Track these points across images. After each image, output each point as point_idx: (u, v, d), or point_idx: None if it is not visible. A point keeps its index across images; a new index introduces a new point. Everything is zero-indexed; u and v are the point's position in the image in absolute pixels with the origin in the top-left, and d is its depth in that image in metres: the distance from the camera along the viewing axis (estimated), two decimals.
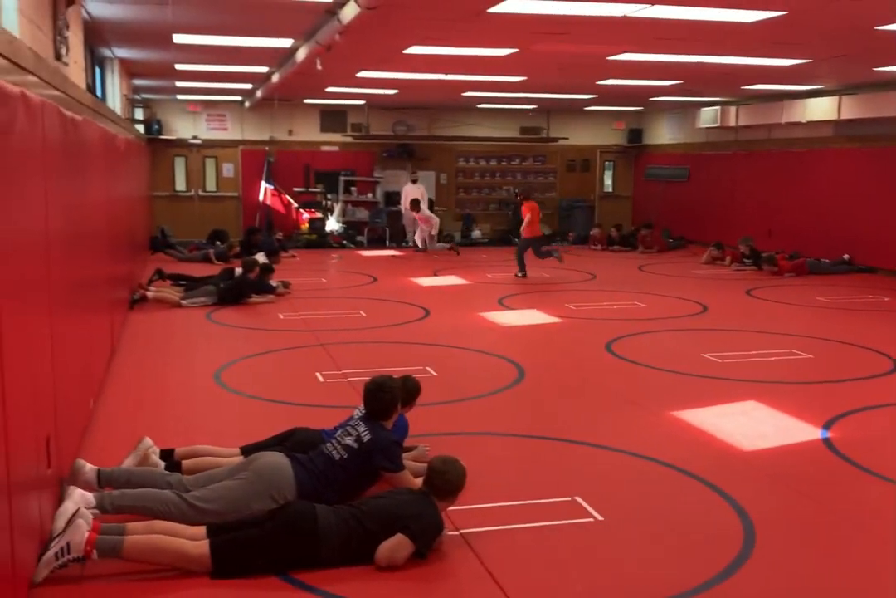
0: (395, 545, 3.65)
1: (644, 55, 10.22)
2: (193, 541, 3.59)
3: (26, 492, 3.32)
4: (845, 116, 13.44)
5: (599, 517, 4.16)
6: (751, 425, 5.67)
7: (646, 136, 20.21)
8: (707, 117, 16.69)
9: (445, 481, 3.88)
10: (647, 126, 20.18)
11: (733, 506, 4.32)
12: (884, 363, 7.52)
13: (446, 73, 12.31)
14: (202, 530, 3.68)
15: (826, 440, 5.38)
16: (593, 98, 16.29)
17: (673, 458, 5.00)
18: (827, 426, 5.65)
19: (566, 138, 19.54)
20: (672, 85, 13.62)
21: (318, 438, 4.67)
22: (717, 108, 16.36)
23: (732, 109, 16.13)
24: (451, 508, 4.04)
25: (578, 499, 4.36)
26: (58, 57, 6.44)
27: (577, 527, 4.07)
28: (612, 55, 10.29)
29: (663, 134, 19.57)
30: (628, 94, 15.48)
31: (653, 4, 7.16)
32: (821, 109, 13.91)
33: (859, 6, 6.91)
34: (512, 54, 10.16)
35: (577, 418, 5.88)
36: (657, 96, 15.90)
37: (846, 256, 14.02)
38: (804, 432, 5.56)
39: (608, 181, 20.77)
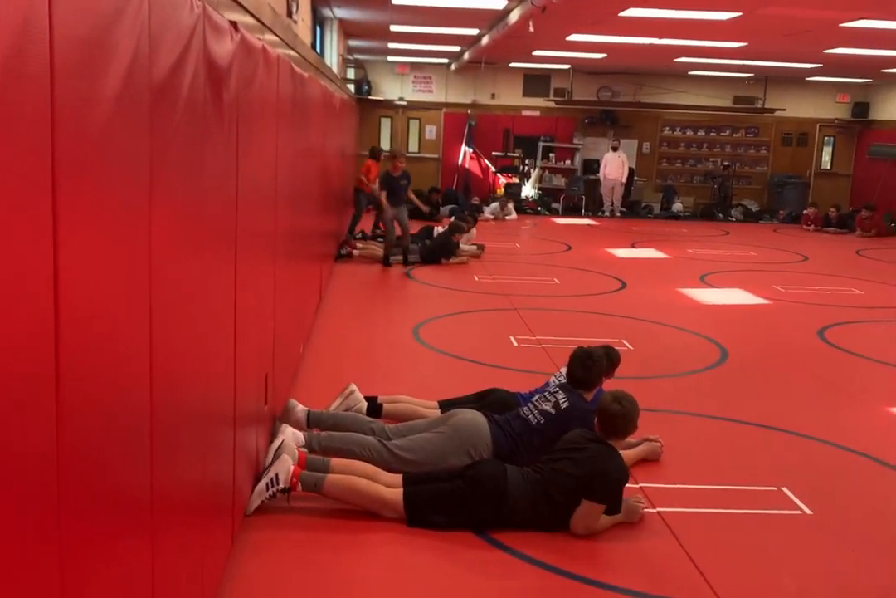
0: (587, 514, 3.59)
1: (881, 22, 9.40)
2: (389, 488, 3.69)
3: (247, 425, 3.52)
4: None
5: (808, 511, 3.92)
6: None
7: (873, 110, 18.67)
8: None
9: (628, 421, 3.73)
10: (874, 100, 18.63)
11: None
12: None
13: (661, 38, 11.85)
14: (398, 478, 3.77)
15: None
16: (817, 68, 15.21)
17: (890, 456, 4.63)
18: None
19: (783, 110, 18.36)
20: None
21: (513, 400, 4.68)
22: None
23: None
24: (649, 485, 3.93)
25: (785, 490, 4.13)
26: (289, 14, 6.70)
27: (784, 519, 3.85)
28: (845, 22, 9.53)
29: (893, 109, 18.00)
30: (857, 65, 14.33)
31: None
32: None
33: None
34: (735, 18, 9.62)
35: (783, 404, 5.56)
36: (889, 68, 14.61)
37: None
38: None
39: (826, 158, 19.41)
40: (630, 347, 6.76)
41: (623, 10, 9.47)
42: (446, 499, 3.65)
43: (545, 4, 8.24)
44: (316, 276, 7.33)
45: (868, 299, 9.39)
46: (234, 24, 2.96)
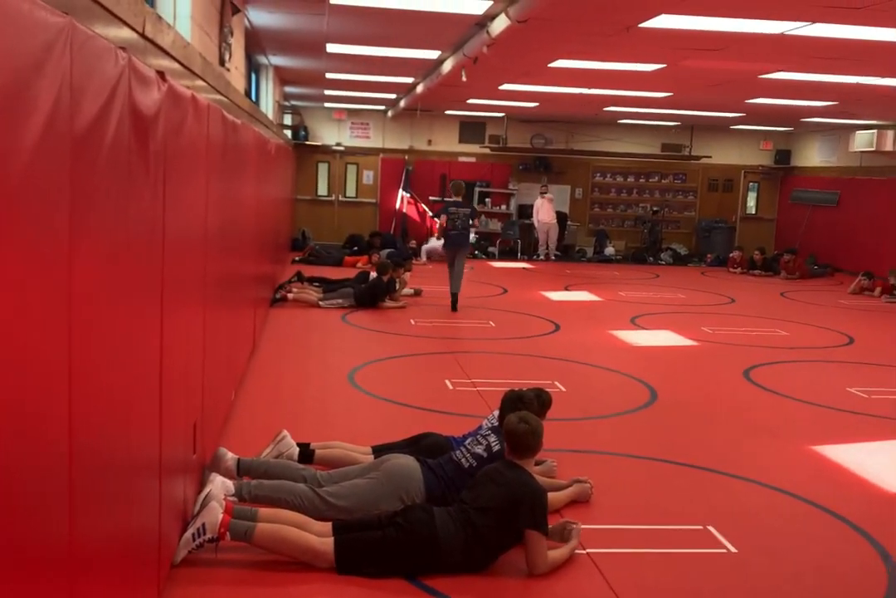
0: (535, 547, 3.63)
1: (799, 74, 9.87)
2: (320, 538, 3.66)
3: (175, 474, 3.47)
4: None
5: (733, 550, 4.00)
6: None
7: (794, 157, 19.46)
8: (862, 141, 15.91)
9: (536, 436, 3.84)
10: (795, 147, 19.43)
11: (878, 550, 4.07)
12: None
13: (590, 88, 12.23)
14: (329, 526, 3.75)
15: None
16: (740, 116, 15.83)
17: (813, 494, 4.76)
18: None
19: (709, 157, 19.03)
20: (826, 106, 13.08)
21: (447, 444, 4.69)
22: (874, 131, 15.56)
23: (890, 133, 15.31)
24: (581, 526, 3.96)
25: (711, 529, 4.21)
26: (221, 62, 6.76)
27: (710, 557, 3.92)
28: (764, 73, 9.98)
29: (813, 156, 18.79)
30: (778, 114, 14.96)
31: (813, 22, 6.90)
32: None
33: None
34: (659, 70, 9.99)
35: (710, 445, 5.69)
36: (809, 117, 15.30)
37: None
38: None
39: (751, 203, 20.11)
40: (563, 388, 6.84)
41: (552, 61, 9.78)
42: (378, 548, 3.62)
43: (476, 55, 8.47)
44: (249, 321, 7.29)
45: (792, 340, 9.68)
46: (161, 73, 3.00)
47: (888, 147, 15.39)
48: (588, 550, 3.90)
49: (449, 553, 3.62)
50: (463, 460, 4.32)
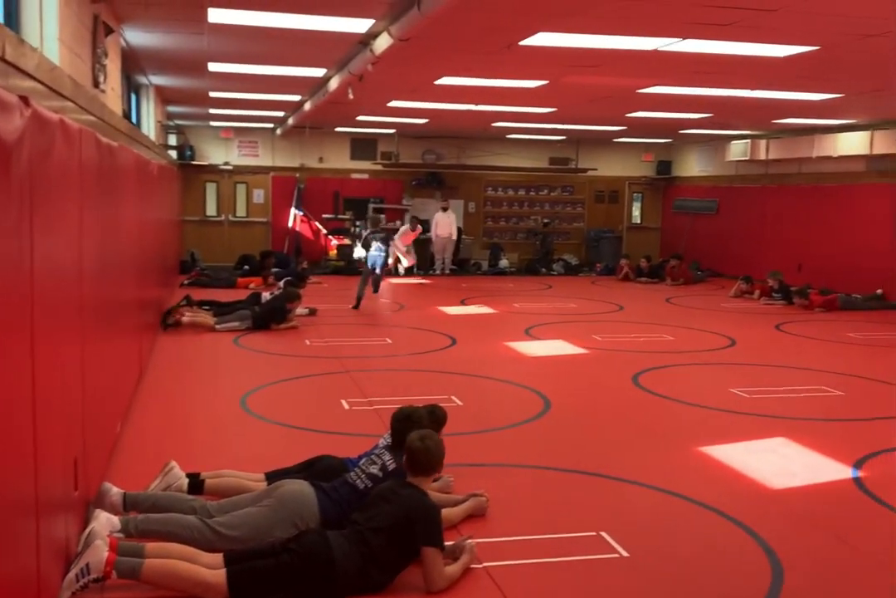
0: (432, 564, 3.63)
1: (674, 88, 10.27)
2: (211, 569, 3.57)
3: (53, 514, 3.33)
4: (878, 150, 13.37)
5: (625, 554, 4.09)
6: (780, 463, 5.58)
7: (675, 168, 20.22)
8: (737, 150, 16.68)
9: (431, 456, 3.91)
10: (675, 158, 20.20)
11: (762, 546, 4.24)
12: None
13: (476, 104, 12.43)
14: (220, 557, 3.66)
15: (857, 480, 5.28)
16: (622, 130, 16.35)
17: (701, 494, 4.93)
18: (857, 466, 5.54)
19: (595, 169, 19.59)
20: (702, 118, 13.64)
21: (342, 466, 4.66)
22: (748, 141, 16.34)
23: (763, 143, 16.11)
24: (476, 540, 3.99)
25: (604, 534, 4.30)
26: (96, 84, 6.57)
27: (603, 563, 4.00)
28: (641, 88, 10.34)
29: (692, 166, 19.57)
30: (657, 127, 15.52)
31: (684, 39, 7.21)
32: (853, 143, 13.86)
33: (891, 42, 6.90)
34: (542, 86, 10.24)
35: (603, 451, 5.82)
36: (687, 129, 15.93)
37: (879, 291, 13.85)
38: (834, 471, 5.46)
39: (636, 212, 20.78)
40: (459, 402, 6.89)
41: (438, 78, 9.90)
42: (272, 576, 3.55)
43: (362, 73, 8.50)
44: (135, 348, 7.08)
45: (677, 345, 10.03)
46: (24, 98, 2.90)
47: (761, 156, 16.17)
48: (485, 563, 3.93)
49: (345, 576, 3.58)
50: (358, 482, 4.30)
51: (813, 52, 7.56)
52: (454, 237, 17.70)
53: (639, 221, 20.77)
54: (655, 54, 7.89)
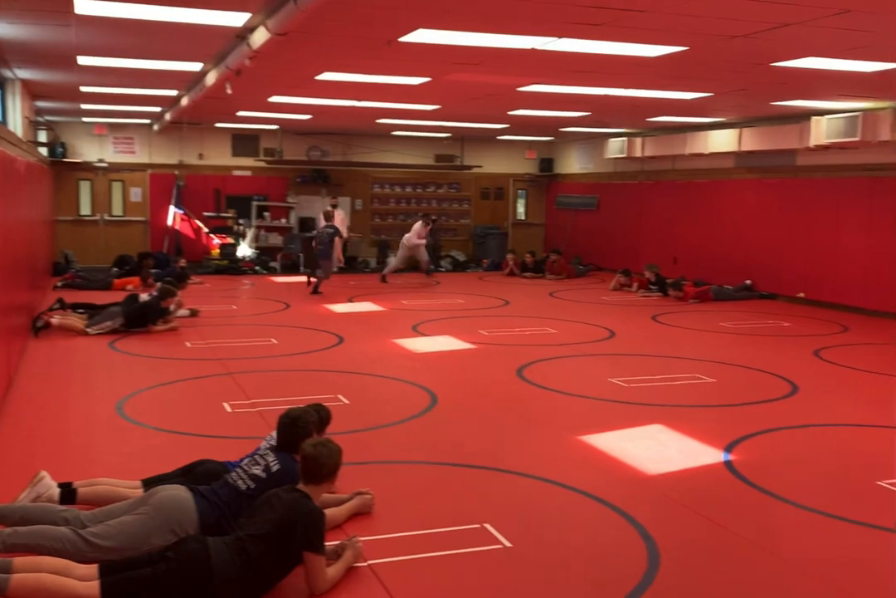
0: (315, 569, 3.60)
1: (553, 87, 10.47)
2: (84, 581, 3.43)
3: None
4: (745, 147, 13.99)
5: (507, 544, 4.16)
6: (656, 449, 5.79)
7: (556, 165, 20.65)
8: (614, 148, 17.16)
9: (320, 465, 3.87)
10: (557, 156, 20.63)
11: (639, 530, 4.39)
12: (783, 387, 7.79)
13: (359, 100, 12.36)
14: (94, 569, 3.52)
15: (728, 463, 5.52)
16: (505, 128, 16.58)
17: (581, 483, 5.05)
18: (729, 449, 5.80)
19: (480, 166, 19.82)
20: (581, 116, 13.97)
21: (223, 469, 4.55)
22: (624, 139, 16.84)
23: (638, 140, 16.63)
24: (361, 538, 3.98)
25: (487, 526, 4.36)
26: None
27: (485, 554, 4.05)
28: (522, 86, 10.50)
29: (573, 164, 20.03)
30: (539, 125, 15.81)
31: (560, 37, 7.35)
32: (722, 140, 14.46)
33: (756, 44, 7.23)
34: (425, 83, 10.27)
35: (487, 444, 5.89)
36: (567, 127, 16.28)
37: (748, 282, 14.53)
38: (707, 455, 5.69)
39: (521, 209, 21.12)
40: (346, 401, 6.85)
41: (318, 74, 9.79)
42: (148, 585, 3.44)
43: (240, 67, 8.32)
44: (2, 353, 6.73)
45: (560, 337, 10.26)
46: None
47: (637, 153, 16.69)
48: (370, 561, 3.93)
49: (225, 584, 3.51)
50: (240, 482, 4.22)
51: (682, 53, 7.82)
52: (345, 235, 17.57)
53: (523, 218, 21.12)
54: (534, 53, 8.02)
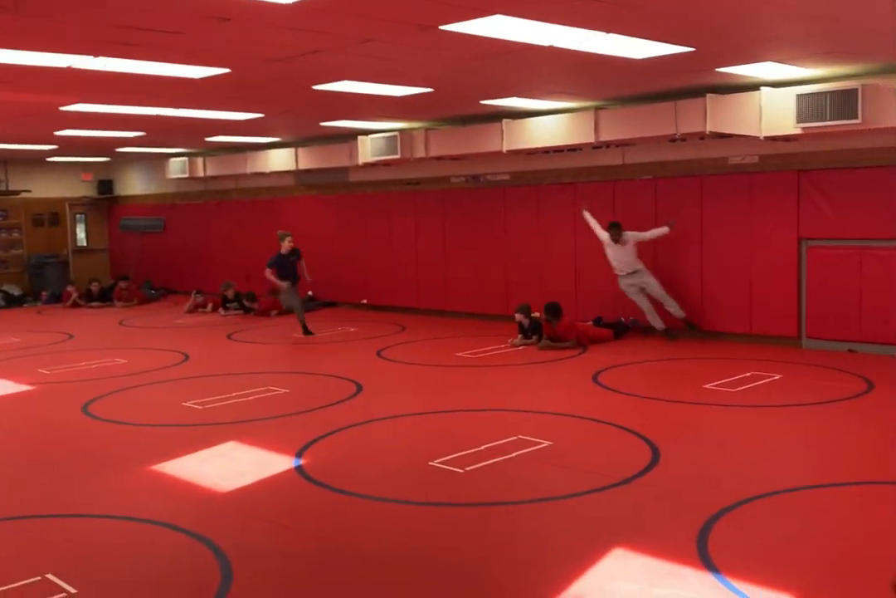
0: None
1: (100, 106, 10.03)
2: None
3: None
4: (303, 165, 14.64)
5: (73, 591, 3.90)
6: (229, 466, 5.82)
7: (117, 187, 19.75)
8: (176, 168, 16.89)
9: None
10: (117, 177, 19.74)
11: (211, 548, 4.38)
12: (350, 388, 8.30)
13: None
14: None
15: (298, 468, 5.74)
16: (54, 149, 15.48)
17: (153, 513, 4.91)
18: (299, 455, 6.03)
19: (29, 191, 18.23)
20: (136, 136, 13.55)
21: None
22: (185, 158, 16.64)
23: (200, 160, 16.55)
24: None
25: (50, 576, 4.05)
26: None
27: None
28: (64, 105, 9.91)
29: (135, 185, 19.33)
30: (93, 145, 15.02)
31: (96, 56, 7.07)
32: (281, 159, 14.97)
33: (295, 67, 7.60)
34: None
35: (50, 489, 5.46)
36: (124, 147, 15.66)
37: (310, 293, 15.17)
38: (279, 463, 5.86)
39: (81, 235, 19.84)
40: None
41: None
42: None
43: None
44: None
45: (130, 367, 9.84)
46: None
47: (200, 173, 16.60)
48: None
49: None
50: None
51: (226, 75, 7.95)
52: None
53: (85, 244, 19.84)
54: (70, 71, 7.61)
